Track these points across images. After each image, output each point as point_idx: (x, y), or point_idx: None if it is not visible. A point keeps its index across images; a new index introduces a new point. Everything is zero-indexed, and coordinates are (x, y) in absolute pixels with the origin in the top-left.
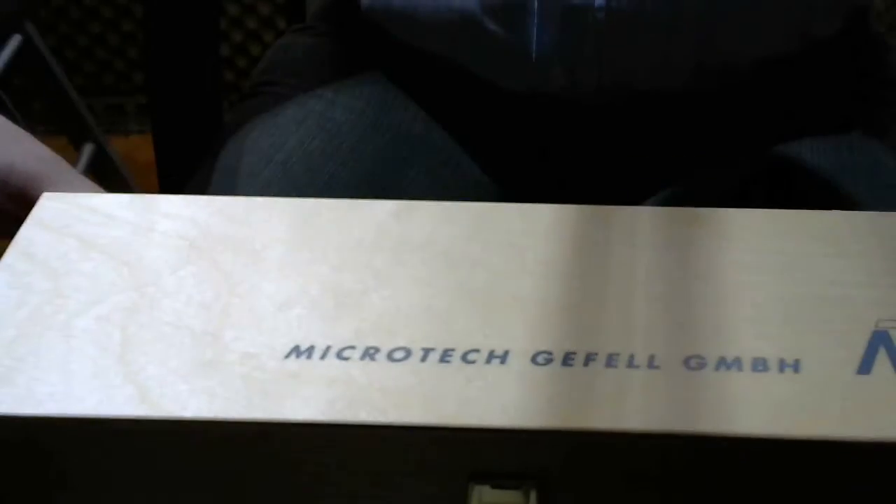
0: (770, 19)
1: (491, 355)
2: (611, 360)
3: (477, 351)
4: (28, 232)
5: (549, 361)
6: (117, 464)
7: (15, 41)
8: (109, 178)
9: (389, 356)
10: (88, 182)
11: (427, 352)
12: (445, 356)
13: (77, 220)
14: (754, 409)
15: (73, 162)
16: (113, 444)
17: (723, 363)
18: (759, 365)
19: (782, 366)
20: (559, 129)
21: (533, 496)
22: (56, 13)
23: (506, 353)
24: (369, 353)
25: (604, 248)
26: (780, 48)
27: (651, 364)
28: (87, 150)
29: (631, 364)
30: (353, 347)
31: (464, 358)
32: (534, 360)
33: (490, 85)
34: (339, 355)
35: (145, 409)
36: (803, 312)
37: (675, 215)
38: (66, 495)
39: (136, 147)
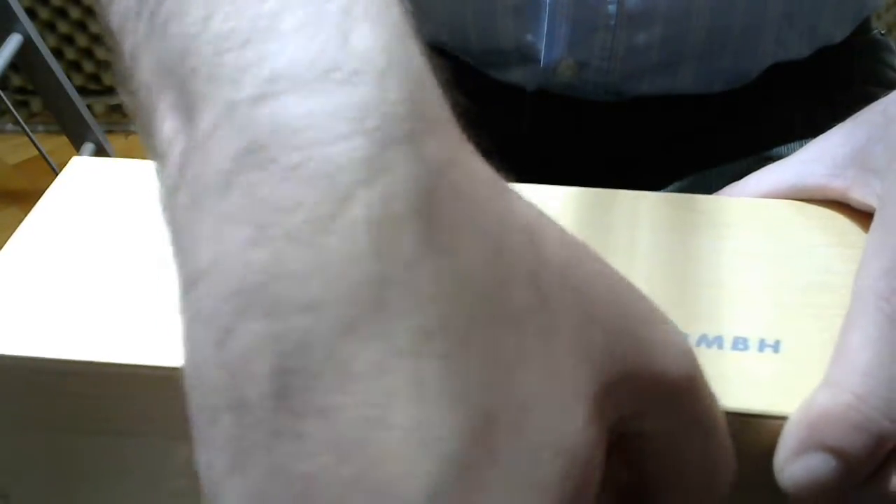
0: (781, 24)
1: None
2: None
3: None
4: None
5: None
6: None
7: (15, 41)
8: None
9: None
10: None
11: None
12: None
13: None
14: (731, 385)
15: None
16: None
17: (704, 340)
18: (740, 344)
19: (762, 346)
20: (566, 126)
21: None
22: (56, 13)
23: None
24: None
25: (604, 231)
26: (790, 53)
27: None
28: (87, 150)
29: None
30: None
31: None
32: None
33: (498, 81)
34: None
35: None
36: (791, 298)
37: (675, 201)
38: None
39: (136, 147)
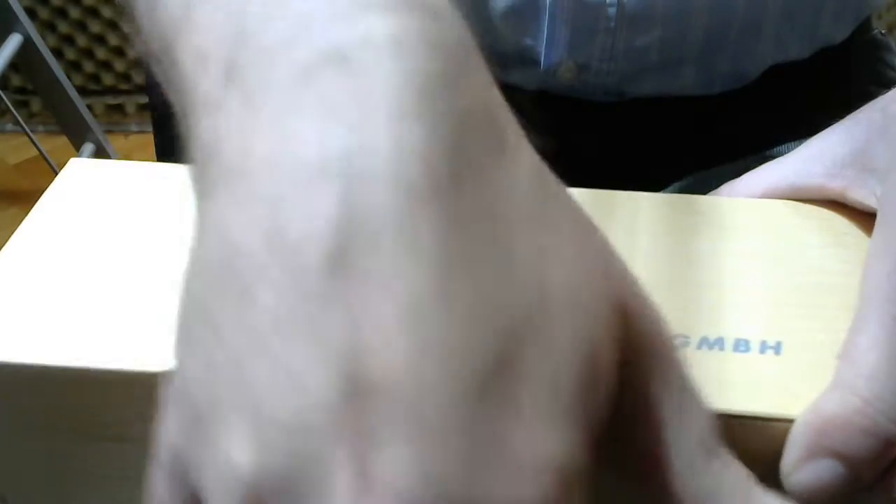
0: (780, 25)
1: None
2: None
3: None
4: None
5: None
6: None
7: (15, 40)
8: None
9: None
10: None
11: None
12: None
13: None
14: (734, 387)
15: None
16: None
17: (705, 342)
18: (742, 346)
19: (764, 347)
20: (566, 128)
21: None
22: (56, 13)
23: None
24: None
25: (604, 231)
26: (790, 53)
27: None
28: (87, 150)
29: None
30: None
31: None
32: None
33: (497, 81)
34: None
35: None
36: (791, 298)
37: (673, 202)
38: None
39: (137, 147)
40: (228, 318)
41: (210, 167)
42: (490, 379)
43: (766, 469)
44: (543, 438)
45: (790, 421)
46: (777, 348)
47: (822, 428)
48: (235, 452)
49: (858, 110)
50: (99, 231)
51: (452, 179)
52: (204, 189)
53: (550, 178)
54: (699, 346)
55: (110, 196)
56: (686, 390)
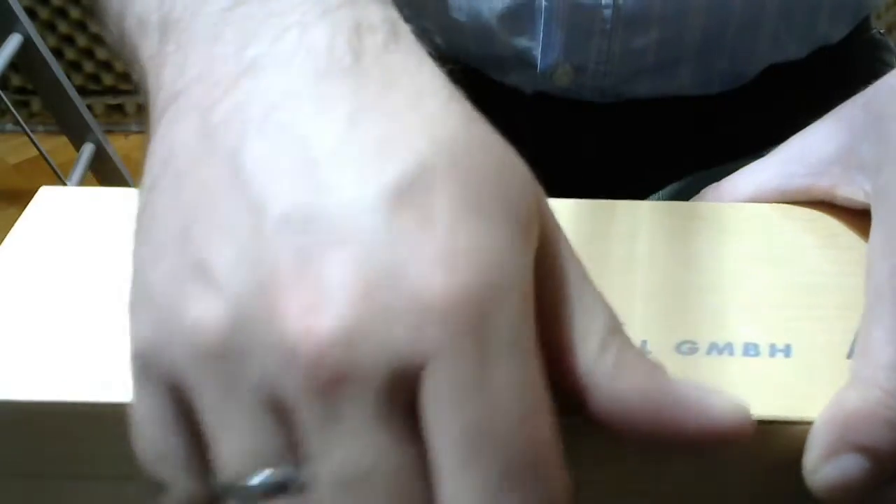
0: (778, 25)
1: None
2: None
3: None
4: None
5: None
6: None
7: (15, 40)
8: (109, 178)
9: None
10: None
11: None
12: None
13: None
14: (745, 392)
15: (73, 162)
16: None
17: (714, 348)
18: (751, 350)
19: (773, 351)
20: (564, 129)
21: None
22: (56, 13)
23: None
24: None
25: (604, 241)
26: (788, 53)
27: (643, 349)
28: (87, 149)
29: None
30: None
31: None
32: None
33: (494, 84)
34: None
35: None
36: (796, 300)
37: (672, 209)
38: None
39: (136, 147)
40: (166, 199)
41: (157, 103)
42: (401, 194)
43: (787, 472)
44: (454, 236)
45: (808, 423)
46: (787, 351)
47: (844, 422)
48: (197, 314)
49: (839, 107)
50: (73, 260)
51: (353, 61)
52: (153, 125)
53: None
54: (709, 352)
55: (83, 224)
56: (590, 280)
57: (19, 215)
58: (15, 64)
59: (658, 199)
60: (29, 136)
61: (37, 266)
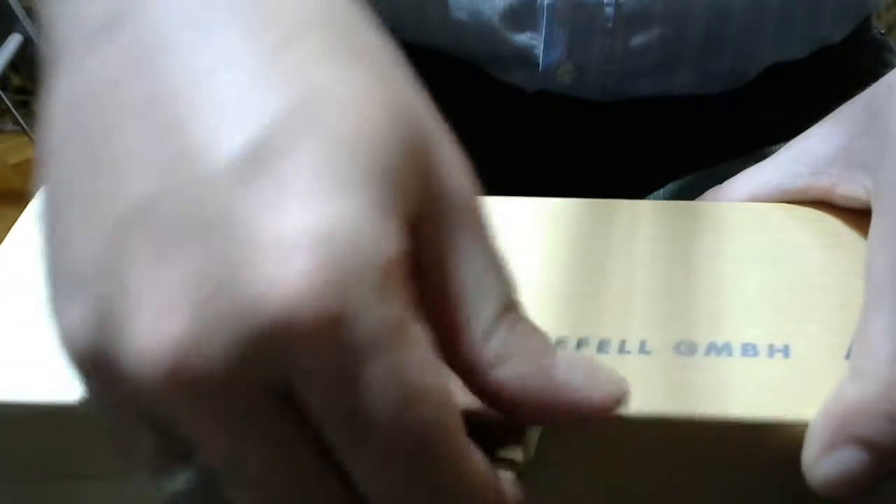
0: (779, 24)
1: None
2: (602, 346)
3: None
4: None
5: None
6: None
7: (15, 40)
8: None
9: None
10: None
11: None
12: None
13: None
14: (744, 392)
15: None
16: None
17: (713, 348)
18: (750, 350)
19: (772, 351)
20: (566, 128)
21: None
22: None
23: None
24: None
25: (603, 240)
26: (789, 53)
27: (642, 349)
28: None
29: (622, 350)
30: None
31: None
32: None
33: (496, 82)
34: None
35: None
36: (794, 300)
37: (672, 209)
38: None
39: None
40: (47, 192)
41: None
42: (255, 161)
43: (786, 473)
44: (305, 214)
45: (806, 424)
46: (785, 351)
47: (844, 416)
48: (66, 322)
49: (839, 109)
50: None
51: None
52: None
53: (354, 16)
54: (707, 352)
55: None
56: (487, 252)
57: (19, 215)
58: (15, 64)
59: (658, 198)
60: (29, 137)
61: (37, 266)
